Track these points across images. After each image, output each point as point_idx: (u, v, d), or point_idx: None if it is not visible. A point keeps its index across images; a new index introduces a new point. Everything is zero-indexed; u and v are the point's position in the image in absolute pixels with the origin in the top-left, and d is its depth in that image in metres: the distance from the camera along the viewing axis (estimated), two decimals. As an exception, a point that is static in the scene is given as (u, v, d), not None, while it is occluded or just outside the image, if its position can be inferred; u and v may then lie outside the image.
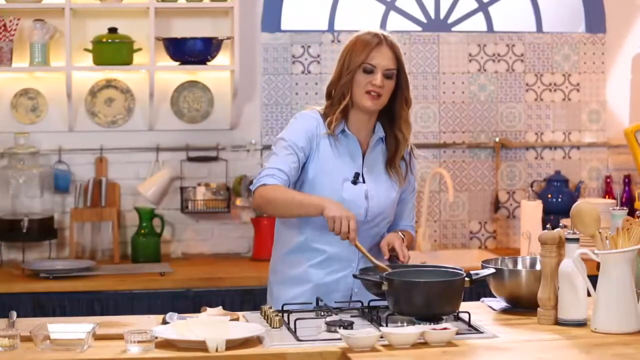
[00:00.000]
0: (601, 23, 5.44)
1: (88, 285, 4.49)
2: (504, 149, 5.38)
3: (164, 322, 3.05)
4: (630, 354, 2.76)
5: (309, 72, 5.22)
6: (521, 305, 3.26)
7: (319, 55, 5.22)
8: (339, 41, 5.19)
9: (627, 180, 5.40)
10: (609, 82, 5.46)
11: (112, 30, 4.95)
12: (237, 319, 3.12)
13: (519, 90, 5.40)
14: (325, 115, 3.41)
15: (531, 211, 4.90)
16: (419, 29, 5.36)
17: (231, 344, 2.81)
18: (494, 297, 3.38)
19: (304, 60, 5.21)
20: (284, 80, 5.20)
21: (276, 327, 3.03)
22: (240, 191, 5.08)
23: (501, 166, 5.39)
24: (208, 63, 4.98)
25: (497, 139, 5.35)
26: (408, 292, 3.02)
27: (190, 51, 4.93)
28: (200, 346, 2.79)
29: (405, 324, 2.98)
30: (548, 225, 3.24)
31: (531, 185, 5.37)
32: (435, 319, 3.00)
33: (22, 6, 4.88)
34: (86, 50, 4.94)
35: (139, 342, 2.78)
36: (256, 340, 2.90)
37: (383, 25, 5.28)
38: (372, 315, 3.10)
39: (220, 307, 3.19)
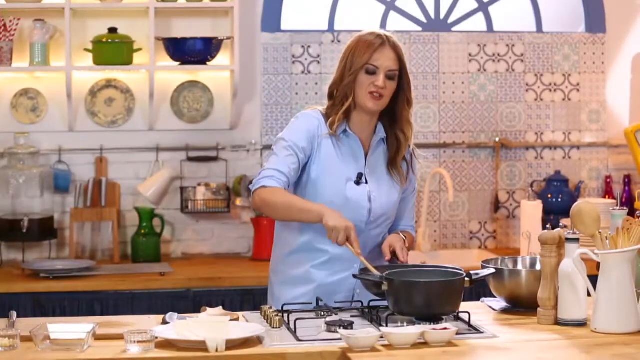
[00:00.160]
0: (601, 23, 5.44)
1: (88, 285, 4.49)
2: (504, 149, 5.37)
3: (164, 322, 3.05)
4: (630, 354, 2.76)
5: (309, 72, 5.21)
6: (521, 305, 3.26)
7: (319, 55, 5.22)
8: (339, 41, 5.19)
9: (627, 180, 5.40)
10: (609, 82, 5.46)
11: (112, 30, 4.95)
12: (237, 319, 3.12)
13: (519, 90, 5.39)
14: (327, 116, 3.40)
15: (531, 211, 4.90)
16: (419, 29, 5.36)
17: (231, 344, 2.81)
18: (494, 297, 3.38)
19: (304, 60, 5.21)
20: (284, 80, 5.20)
21: (276, 327, 3.02)
22: (240, 191, 5.08)
23: (501, 166, 5.38)
24: (208, 63, 4.97)
25: (497, 139, 5.35)
26: (408, 292, 3.02)
27: (190, 51, 4.92)
28: (200, 346, 2.79)
29: (405, 324, 2.98)
30: (548, 225, 3.25)
31: (531, 185, 5.36)
32: (435, 319, 3.00)
33: (22, 6, 4.88)
34: (86, 50, 4.94)
35: (139, 342, 2.78)
36: (256, 340, 2.89)
37: (383, 25, 5.28)
38: (372, 315, 3.10)
39: (220, 307, 3.19)
